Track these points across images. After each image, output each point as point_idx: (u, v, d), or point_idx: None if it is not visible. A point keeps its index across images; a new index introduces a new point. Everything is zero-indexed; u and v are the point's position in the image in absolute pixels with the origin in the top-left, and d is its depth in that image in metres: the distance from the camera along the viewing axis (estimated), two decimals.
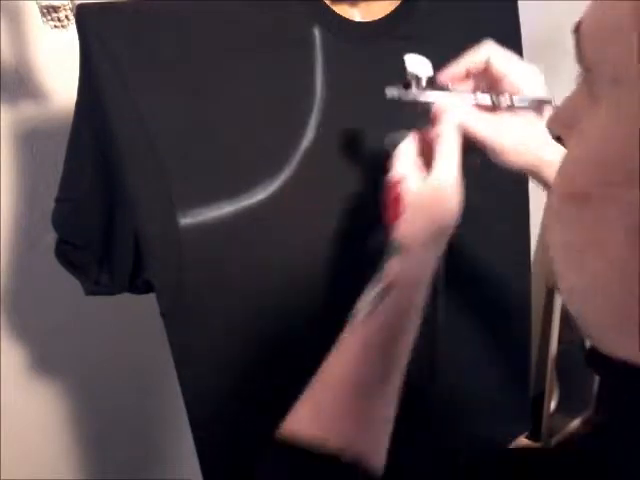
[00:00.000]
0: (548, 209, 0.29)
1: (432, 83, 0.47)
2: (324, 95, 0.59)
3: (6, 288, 0.86)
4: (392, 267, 0.45)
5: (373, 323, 0.44)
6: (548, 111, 0.46)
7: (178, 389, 0.61)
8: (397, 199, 0.48)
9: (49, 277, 0.79)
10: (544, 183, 0.49)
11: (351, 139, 0.60)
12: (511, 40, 0.70)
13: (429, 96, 0.47)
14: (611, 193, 0.24)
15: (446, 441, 0.67)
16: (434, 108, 0.48)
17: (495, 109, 0.48)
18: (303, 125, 0.58)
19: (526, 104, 0.46)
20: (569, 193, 0.27)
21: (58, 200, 0.63)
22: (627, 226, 0.24)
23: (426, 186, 0.46)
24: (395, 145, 0.50)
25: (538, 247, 1.43)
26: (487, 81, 0.50)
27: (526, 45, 0.72)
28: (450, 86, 0.48)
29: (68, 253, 0.64)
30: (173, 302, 0.57)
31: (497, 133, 0.48)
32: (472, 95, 0.47)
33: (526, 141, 0.48)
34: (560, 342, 1.47)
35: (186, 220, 0.56)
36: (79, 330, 0.93)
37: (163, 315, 0.58)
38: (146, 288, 0.61)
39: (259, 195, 0.57)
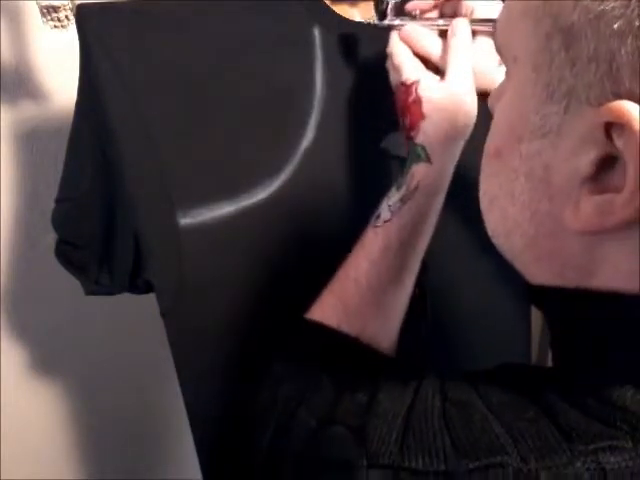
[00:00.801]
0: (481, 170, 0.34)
1: (403, 11, 0.52)
2: (324, 95, 0.59)
3: (6, 288, 0.86)
4: (417, 172, 0.47)
5: (394, 225, 0.47)
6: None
7: (178, 389, 0.61)
8: (416, 102, 0.48)
9: (49, 277, 0.79)
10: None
11: (351, 139, 0.60)
12: None
13: (399, 22, 0.52)
14: (514, 148, 0.30)
15: None
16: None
17: None
18: (303, 125, 0.58)
19: (478, 26, 0.49)
20: (489, 153, 0.33)
21: (58, 200, 0.63)
22: (526, 173, 0.29)
23: (444, 87, 0.47)
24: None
25: None
26: (449, 9, 0.53)
27: None
28: (418, 14, 0.52)
29: (68, 253, 0.64)
30: (173, 302, 0.57)
31: None
32: (436, 21, 0.51)
33: (481, 64, 0.50)
34: None
35: (186, 220, 0.56)
36: (79, 330, 0.93)
37: (163, 315, 0.58)
38: (146, 288, 0.61)
39: (259, 195, 0.57)
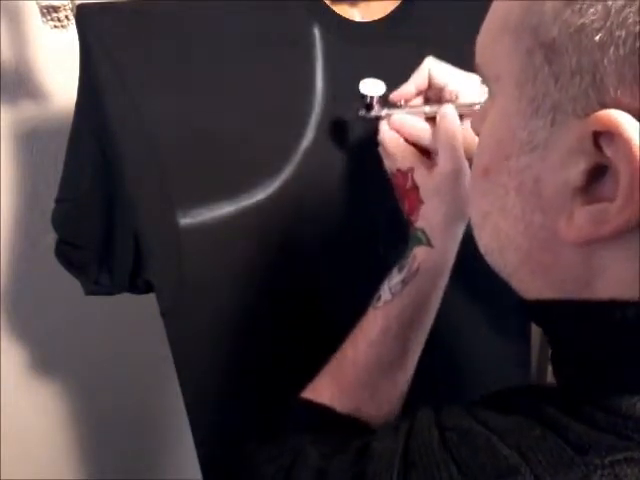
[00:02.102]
0: (469, 188, 0.35)
1: (387, 102, 0.53)
2: (324, 95, 0.59)
3: (6, 288, 0.86)
4: (418, 255, 0.48)
5: (394, 307, 0.47)
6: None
7: (178, 389, 0.61)
8: (413, 188, 0.49)
9: (49, 277, 0.79)
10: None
11: (351, 139, 0.60)
12: None
13: (387, 112, 0.53)
14: (502, 165, 0.30)
15: None
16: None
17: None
18: (303, 125, 0.58)
19: (464, 110, 0.50)
20: (477, 171, 0.33)
21: (58, 200, 0.63)
22: (516, 187, 0.29)
23: (439, 172, 0.48)
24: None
25: None
26: (433, 94, 0.54)
27: None
28: (403, 103, 0.53)
29: (68, 253, 0.64)
30: (173, 302, 0.57)
31: None
32: (423, 108, 0.52)
33: (473, 145, 0.50)
34: None
35: (186, 220, 0.56)
36: (79, 330, 0.93)
37: (163, 315, 0.58)
38: (146, 288, 0.61)
39: (259, 195, 0.57)
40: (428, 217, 0.48)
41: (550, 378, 0.34)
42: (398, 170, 0.51)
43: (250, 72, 0.57)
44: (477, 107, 0.49)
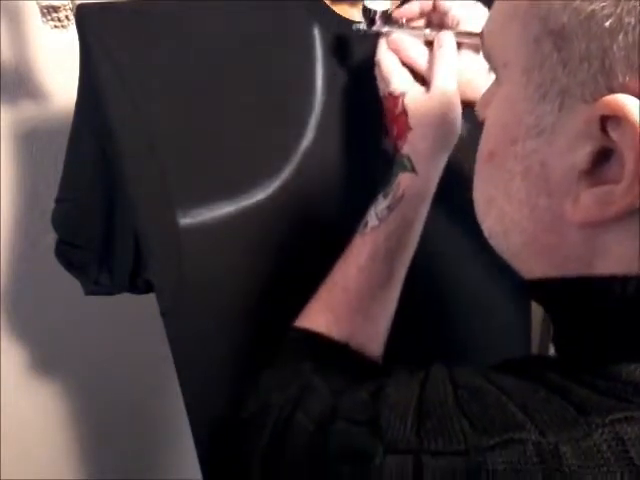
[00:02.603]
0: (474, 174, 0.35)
1: (390, 19, 0.53)
2: (324, 95, 0.59)
3: (6, 288, 0.86)
4: (403, 181, 0.49)
5: (381, 233, 0.49)
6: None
7: (178, 389, 0.61)
8: (403, 113, 0.49)
9: (49, 277, 0.79)
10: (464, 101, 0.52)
11: (351, 139, 0.60)
12: None
13: (387, 29, 0.53)
14: (508, 149, 0.31)
15: None
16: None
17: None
18: (303, 125, 0.58)
19: (463, 38, 0.50)
20: (482, 157, 0.33)
21: (58, 200, 0.63)
22: (522, 172, 0.30)
23: (430, 99, 0.49)
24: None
25: None
26: (436, 19, 0.54)
27: None
28: (405, 22, 0.53)
29: (68, 253, 0.64)
30: (173, 302, 0.57)
31: None
32: (423, 31, 0.52)
33: (466, 75, 0.51)
34: None
35: (186, 220, 0.56)
36: (79, 330, 0.93)
37: (163, 315, 0.58)
38: (146, 288, 0.61)
39: (259, 195, 0.57)
40: (414, 143, 0.49)
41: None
42: (390, 94, 0.51)
43: (250, 72, 0.57)
44: (476, 39, 0.49)
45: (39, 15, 0.65)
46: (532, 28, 0.28)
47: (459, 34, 0.50)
